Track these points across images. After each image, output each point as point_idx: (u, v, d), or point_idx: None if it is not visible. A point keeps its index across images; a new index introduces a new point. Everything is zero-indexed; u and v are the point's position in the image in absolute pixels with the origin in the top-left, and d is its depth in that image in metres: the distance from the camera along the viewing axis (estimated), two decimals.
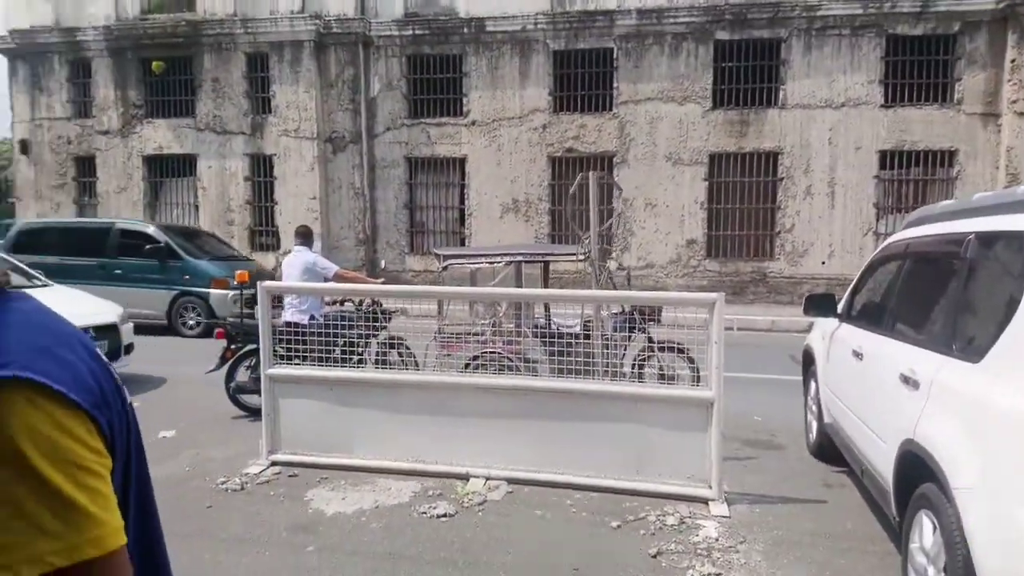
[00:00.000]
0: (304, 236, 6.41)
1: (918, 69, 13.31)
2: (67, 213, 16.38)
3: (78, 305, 7.16)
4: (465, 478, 4.46)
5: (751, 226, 14.09)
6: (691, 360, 5.49)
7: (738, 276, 14.02)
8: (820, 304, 4.70)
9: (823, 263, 13.64)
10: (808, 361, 5.26)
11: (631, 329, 5.90)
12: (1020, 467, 2.14)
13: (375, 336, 5.73)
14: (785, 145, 13.73)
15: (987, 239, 2.76)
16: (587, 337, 5.31)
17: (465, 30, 14.69)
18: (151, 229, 11.50)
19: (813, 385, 5.06)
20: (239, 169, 15.49)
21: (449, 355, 5.54)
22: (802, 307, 4.79)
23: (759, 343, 10.16)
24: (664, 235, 14.23)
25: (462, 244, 14.87)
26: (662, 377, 5.57)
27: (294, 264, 6.12)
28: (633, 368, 5.86)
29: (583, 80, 14.62)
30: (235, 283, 6.42)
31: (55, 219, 14.85)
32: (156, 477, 3.39)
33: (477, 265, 6.28)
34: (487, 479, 4.42)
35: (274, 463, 4.75)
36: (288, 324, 5.34)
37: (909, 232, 3.83)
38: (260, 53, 15.27)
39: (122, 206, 16.06)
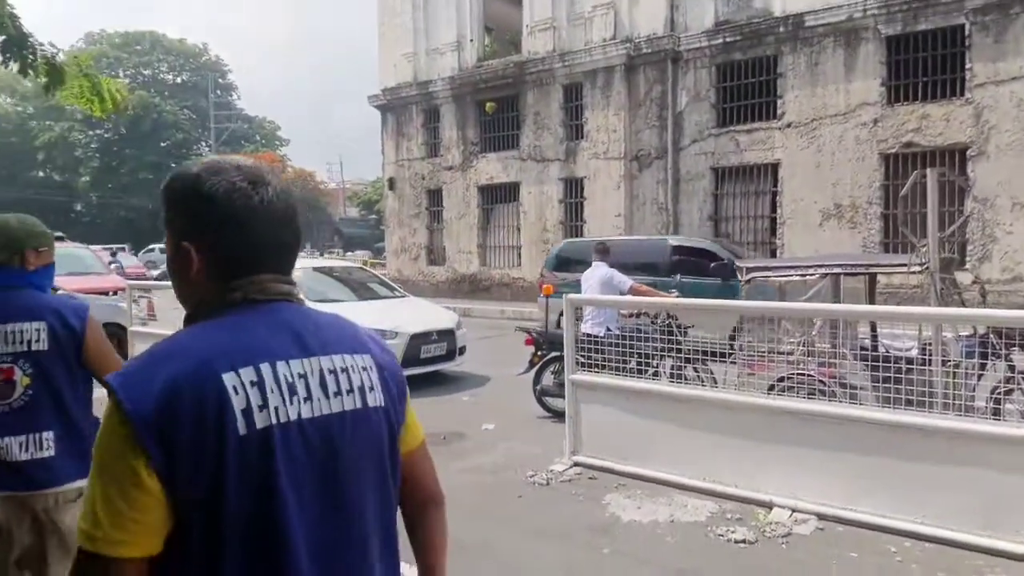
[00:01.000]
0: (602, 252, 6.75)
1: None
2: (421, 238, 19.57)
3: (422, 313, 8.54)
4: (768, 506, 4.19)
5: None
6: None
7: None
8: None
9: None
10: None
11: (987, 355, 4.93)
12: None
13: (672, 350, 5.71)
14: None
15: None
16: (927, 363, 4.59)
17: (781, 29, 13.85)
18: (710, 245, 11.04)
19: None
20: (554, 193, 16.79)
21: (752, 374, 5.27)
22: None
23: None
24: None
25: (772, 255, 13.94)
26: None
27: (592, 278, 6.47)
28: (989, 403, 4.89)
29: (924, 65, 12.64)
30: (540, 296, 6.99)
31: (593, 238, 13.50)
32: (478, 464, 3.94)
33: (785, 278, 5.86)
34: (793, 511, 4.09)
35: (576, 463, 5.04)
36: (587, 336, 5.64)
37: None
38: (575, 83, 16.40)
39: (461, 230, 18.62)
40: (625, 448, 4.91)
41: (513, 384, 7.08)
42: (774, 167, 14.23)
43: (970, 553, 3.58)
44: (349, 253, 30.04)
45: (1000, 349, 4.87)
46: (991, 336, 4.90)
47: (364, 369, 1.13)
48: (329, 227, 55.60)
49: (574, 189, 16.61)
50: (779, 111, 14.07)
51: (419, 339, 7.75)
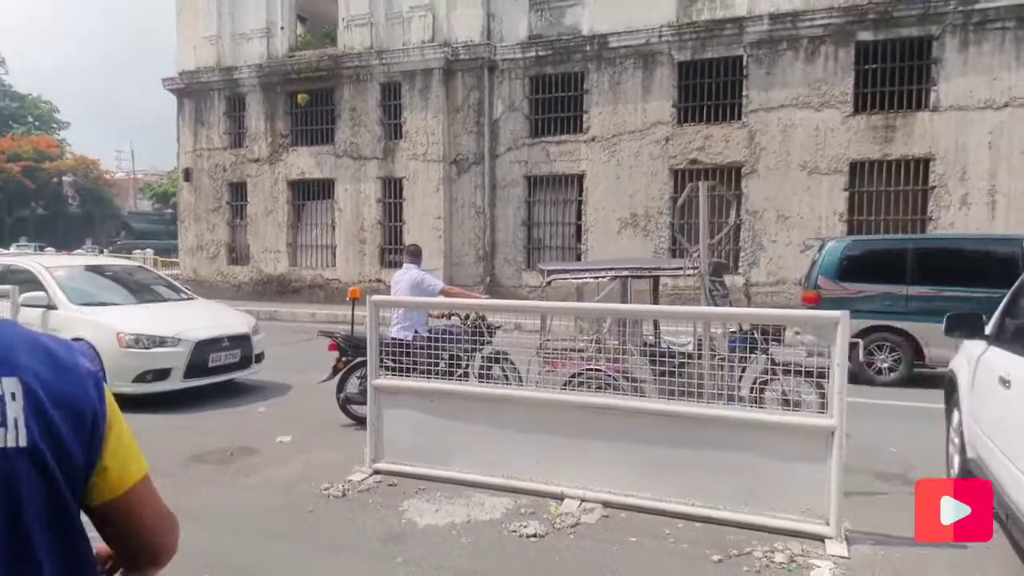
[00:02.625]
0: (413, 254, 6.62)
1: None
2: (222, 235, 18.11)
3: (212, 317, 7.83)
4: (560, 498, 4.33)
5: None
6: (819, 385, 5.04)
7: None
8: (965, 323, 4.12)
9: None
10: (951, 388, 4.65)
11: (750, 350, 5.52)
12: None
13: (479, 350, 5.75)
14: (937, 151, 12.42)
15: None
16: (700, 357, 5.02)
17: (588, 47, 14.69)
18: None
19: (956, 415, 4.45)
20: (372, 192, 16.39)
21: (551, 371, 5.45)
22: (943, 326, 4.23)
23: None
24: (797, 249, 13.31)
25: (578, 259, 14.76)
26: (785, 403, 5.14)
27: (402, 281, 6.32)
28: (752, 392, 5.47)
29: (709, 90, 14.10)
30: (347, 299, 6.71)
31: (896, 236, 11.21)
32: (268, 480, 3.58)
33: (582, 280, 6.16)
34: (582, 500, 4.26)
35: (376, 471, 4.87)
36: (395, 340, 5.49)
37: None
38: (393, 82, 16.13)
39: (268, 228, 17.51)
40: (428, 452, 4.82)
41: (316, 392, 6.71)
42: (580, 178, 15.05)
43: (734, 529, 3.94)
44: (138, 251, 26.98)
45: (760, 344, 5.48)
46: (753, 332, 5.50)
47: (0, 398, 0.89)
48: (116, 221, 49.63)
49: (393, 189, 16.34)
50: (585, 125, 14.92)
51: (206, 346, 7.04)
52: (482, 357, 5.79)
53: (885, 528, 3.96)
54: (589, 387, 5.02)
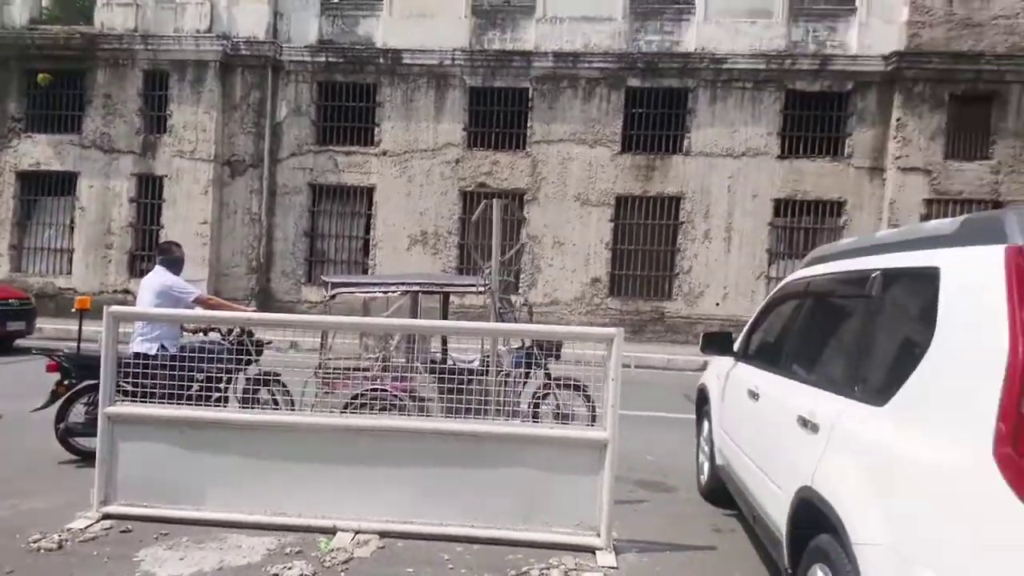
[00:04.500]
0: (165, 253, 5.55)
1: (814, 123, 14.05)
2: None
3: None
4: (332, 532, 3.94)
5: (652, 267, 14.31)
6: (588, 398, 5.24)
7: (638, 315, 14.13)
8: (717, 342, 4.54)
9: (717, 304, 13.96)
10: (702, 400, 5.10)
11: (530, 365, 5.61)
12: (923, 522, 1.91)
13: (243, 371, 5.13)
14: (687, 191, 14.09)
15: (893, 276, 2.58)
16: (485, 373, 4.96)
17: (381, 60, 14.43)
18: None
19: (706, 425, 4.89)
20: (124, 190, 14.42)
21: (329, 393, 5.03)
22: (699, 344, 4.62)
23: (655, 381, 10.14)
24: (570, 273, 14.22)
25: (365, 274, 14.30)
26: (558, 416, 5.27)
27: (149, 286, 5.39)
28: (530, 406, 5.55)
29: (498, 118, 14.59)
30: (73, 309, 5.62)
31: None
32: None
33: (369, 294, 5.83)
34: (356, 532, 3.92)
35: (106, 515, 4.06)
36: (136, 356, 4.69)
37: (810, 270, 3.71)
38: (160, 71, 14.43)
39: None
40: (175, 490, 4.12)
41: (30, 423, 5.51)
42: (370, 191, 14.67)
43: (512, 548, 3.86)
44: None
45: (539, 359, 5.60)
46: (534, 348, 5.61)
47: None
48: None
49: (151, 188, 14.51)
50: (376, 138, 14.61)
51: None
52: (247, 379, 5.17)
53: (648, 535, 4.17)
54: (372, 408, 4.71)
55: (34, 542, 3.73)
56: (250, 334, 5.44)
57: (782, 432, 3.02)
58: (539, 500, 3.99)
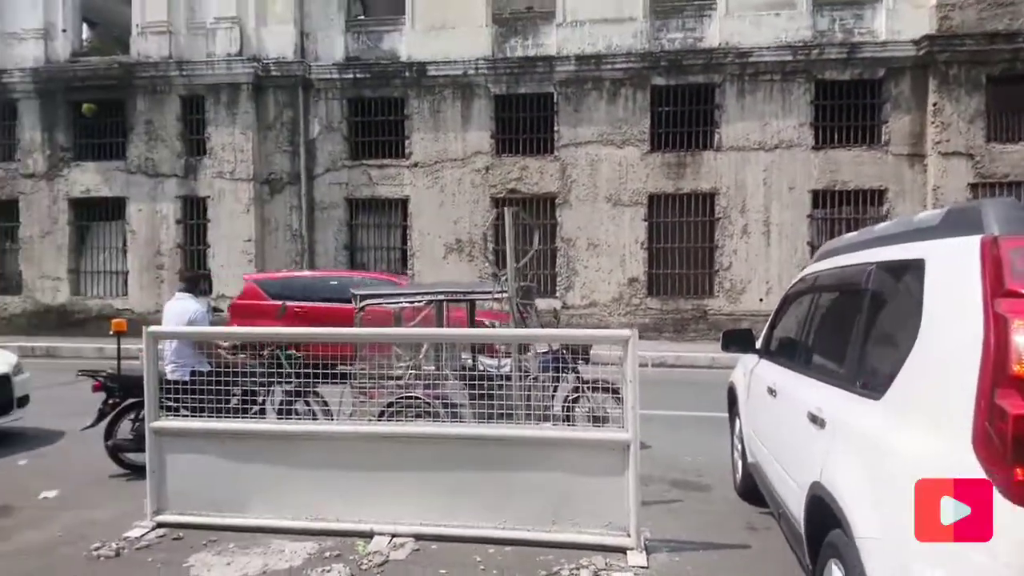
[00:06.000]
0: (190, 282, 5.85)
1: (847, 112, 13.77)
2: None
3: None
4: (369, 535, 4.10)
5: (691, 265, 14.20)
6: (621, 400, 5.29)
7: (679, 314, 14.05)
8: (738, 339, 4.57)
9: (761, 300, 13.76)
10: (732, 398, 5.12)
11: (560, 369, 5.69)
12: (913, 515, 1.95)
13: (280, 384, 5.34)
14: (721, 186, 13.97)
15: (886, 269, 2.63)
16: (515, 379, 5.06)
17: (407, 74, 14.70)
18: None
19: (737, 423, 4.90)
20: (171, 212, 15.00)
21: (364, 402, 5.21)
22: (720, 343, 4.65)
23: (699, 380, 10.08)
24: (607, 274, 14.22)
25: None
26: (595, 419, 5.34)
27: (176, 313, 5.60)
28: (564, 410, 5.63)
29: (525, 124, 14.71)
30: (111, 332, 5.93)
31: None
32: (24, 546, 2.93)
33: (398, 305, 6.01)
34: (392, 536, 4.07)
35: (160, 524, 4.31)
36: (169, 383, 4.92)
37: (818, 265, 3.73)
38: (196, 96, 14.97)
39: (45, 252, 15.35)
40: (221, 499, 4.35)
41: (90, 439, 5.84)
42: (404, 202, 14.95)
43: (543, 549, 3.96)
44: None
45: (569, 363, 5.69)
46: (563, 352, 5.70)
47: None
48: None
49: (196, 209, 15.06)
50: (407, 150, 14.88)
51: None
52: (284, 392, 5.39)
53: (682, 535, 4.22)
54: (406, 416, 4.86)
55: (95, 550, 3.99)
56: (283, 348, 5.66)
57: (796, 428, 3.06)
58: (567, 501, 4.08)
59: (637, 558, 3.83)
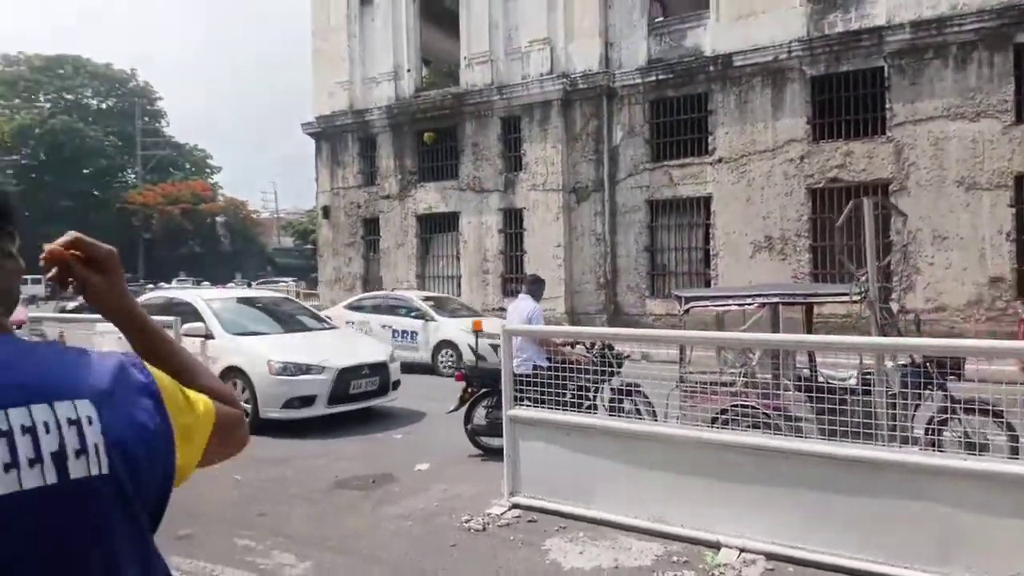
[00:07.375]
0: (532, 283, 6.46)
1: None
2: (357, 268, 19.08)
3: (353, 345, 8.10)
4: (715, 547, 3.98)
5: None
6: (1010, 426, 4.41)
7: None
8: None
9: None
10: None
11: (924, 385, 4.92)
12: None
13: (608, 381, 5.51)
14: None
15: None
16: (867, 392, 4.53)
17: (711, 68, 14.28)
18: None
19: None
20: (494, 223, 16.67)
21: (694, 407, 5.11)
22: None
23: None
24: (959, 272, 12.03)
25: (707, 286, 14.14)
26: (970, 446, 4.52)
27: (519, 311, 6.21)
28: (927, 433, 4.86)
29: (847, 104, 13.22)
30: (472, 331, 6.71)
31: None
32: (409, 510, 3.51)
33: (724, 308, 5.78)
34: (741, 551, 3.90)
35: (515, 505, 4.73)
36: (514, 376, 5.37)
37: None
38: (512, 116, 16.44)
39: (399, 260, 18.24)
40: (566, 487, 4.63)
41: (448, 420, 6.74)
42: (706, 200, 14.52)
43: None
44: (282, 282, 28.97)
45: (937, 378, 4.87)
46: (927, 365, 4.91)
47: (73, 423, 0.82)
48: (261, 257, 53.92)
49: (513, 220, 16.54)
50: (710, 147, 14.42)
51: (348, 373, 7.30)
52: (611, 389, 5.55)
53: None
54: (739, 425, 4.65)
55: (464, 522, 4.53)
56: (611, 347, 5.85)
57: None
58: (955, 540, 3.47)
59: None
